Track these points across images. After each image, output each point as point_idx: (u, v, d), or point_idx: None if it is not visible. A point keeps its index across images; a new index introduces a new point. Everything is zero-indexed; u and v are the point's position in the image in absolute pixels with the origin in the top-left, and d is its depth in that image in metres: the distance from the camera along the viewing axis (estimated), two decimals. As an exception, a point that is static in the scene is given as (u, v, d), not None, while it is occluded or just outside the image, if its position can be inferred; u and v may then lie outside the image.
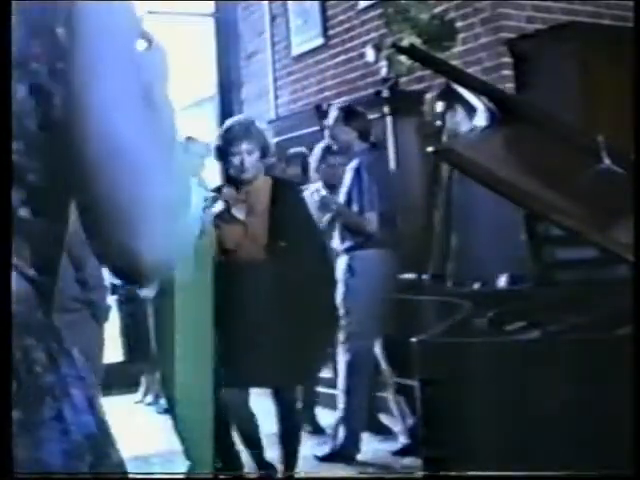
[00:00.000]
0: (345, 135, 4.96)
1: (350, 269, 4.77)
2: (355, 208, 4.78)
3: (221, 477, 4.18)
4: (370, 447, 4.87)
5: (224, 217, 4.05)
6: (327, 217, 4.93)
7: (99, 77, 0.88)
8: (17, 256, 0.87)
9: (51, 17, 0.87)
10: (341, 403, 4.79)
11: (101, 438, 0.90)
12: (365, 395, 4.83)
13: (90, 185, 0.89)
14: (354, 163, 4.85)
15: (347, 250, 4.84)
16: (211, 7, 8.56)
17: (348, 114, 4.99)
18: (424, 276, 4.70)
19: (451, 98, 4.32)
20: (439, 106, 4.52)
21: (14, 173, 0.86)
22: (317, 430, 5.36)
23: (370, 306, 4.69)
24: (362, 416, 4.80)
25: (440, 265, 4.43)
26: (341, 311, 4.55)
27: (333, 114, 5.05)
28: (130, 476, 0.92)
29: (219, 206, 4.07)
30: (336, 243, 4.90)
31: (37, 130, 0.87)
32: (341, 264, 4.80)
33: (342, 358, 4.80)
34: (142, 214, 0.90)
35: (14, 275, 0.87)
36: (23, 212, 0.88)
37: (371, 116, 5.37)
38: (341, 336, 4.71)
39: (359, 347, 4.75)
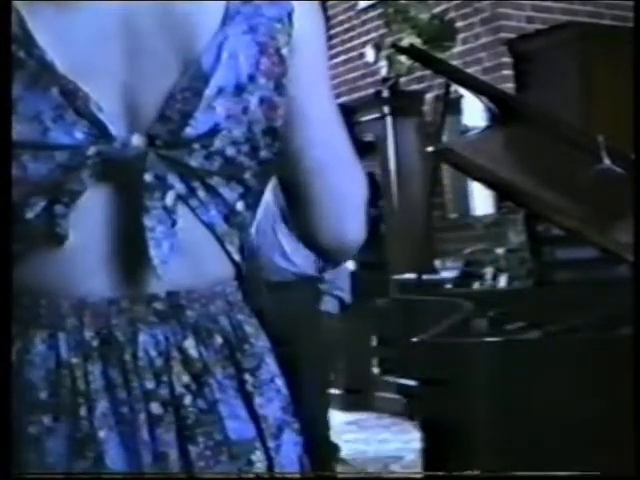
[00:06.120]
0: None
1: None
2: None
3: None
4: (371, 447, 4.87)
5: None
6: None
7: (317, 92, 1.03)
8: (229, 244, 0.98)
9: (277, 39, 0.97)
10: None
11: None
12: None
13: (304, 184, 1.03)
14: None
15: None
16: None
17: None
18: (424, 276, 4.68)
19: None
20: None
21: (233, 173, 0.95)
22: None
23: None
24: None
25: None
26: None
27: None
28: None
29: None
30: None
31: (261, 135, 0.97)
32: None
33: None
34: (349, 203, 1.06)
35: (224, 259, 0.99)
36: (239, 206, 0.98)
37: (371, 116, 5.35)
38: None
39: None
